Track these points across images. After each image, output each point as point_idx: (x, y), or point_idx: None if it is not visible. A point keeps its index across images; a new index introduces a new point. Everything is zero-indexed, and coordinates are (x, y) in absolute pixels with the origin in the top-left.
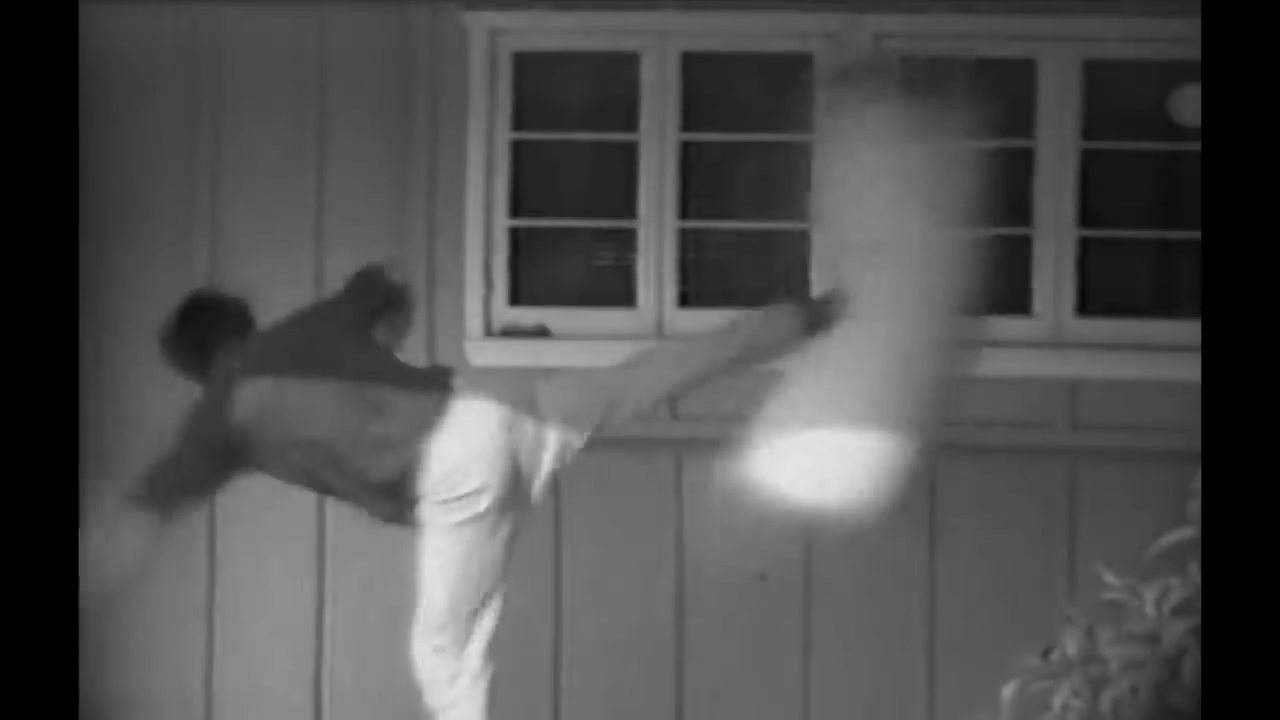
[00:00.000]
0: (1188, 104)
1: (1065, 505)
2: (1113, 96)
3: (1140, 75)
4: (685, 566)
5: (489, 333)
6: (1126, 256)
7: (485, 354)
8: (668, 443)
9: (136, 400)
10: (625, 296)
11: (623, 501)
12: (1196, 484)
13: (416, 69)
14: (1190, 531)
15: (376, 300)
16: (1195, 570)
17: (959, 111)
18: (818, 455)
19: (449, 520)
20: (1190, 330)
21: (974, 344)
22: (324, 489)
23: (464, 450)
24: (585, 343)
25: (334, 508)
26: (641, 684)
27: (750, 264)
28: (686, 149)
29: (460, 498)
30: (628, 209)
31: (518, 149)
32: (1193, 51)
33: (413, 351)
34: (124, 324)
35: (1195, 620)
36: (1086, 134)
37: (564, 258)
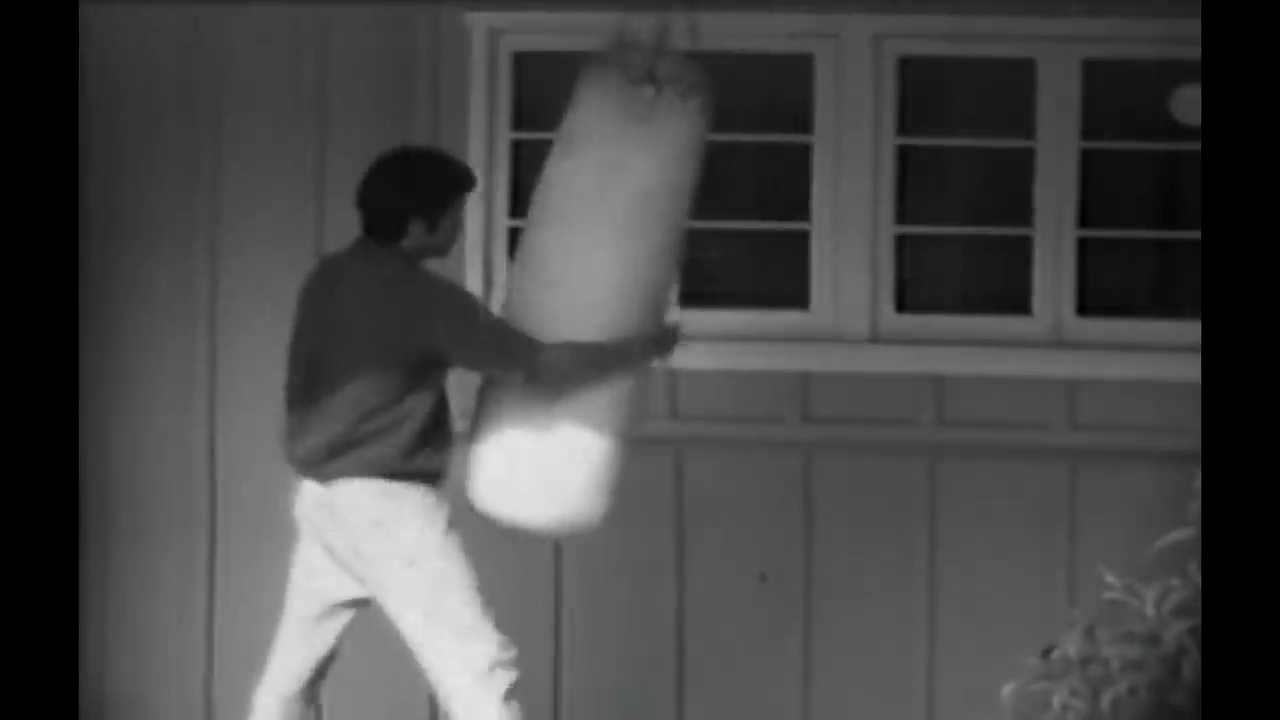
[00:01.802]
0: (1188, 104)
1: (1065, 505)
2: (1113, 96)
3: (1140, 75)
4: (685, 566)
5: None
6: (1126, 256)
7: None
8: (668, 443)
9: (136, 400)
10: None
11: (623, 501)
12: (1196, 484)
13: (416, 69)
14: (1190, 531)
15: None
16: (1195, 570)
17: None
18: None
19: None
20: (1190, 330)
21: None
22: None
23: None
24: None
25: None
26: (641, 684)
27: (750, 264)
28: None
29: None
30: None
31: (518, 149)
32: (1193, 51)
33: None
34: (124, 324)
35: (1195, 620)
36: (1086, 134)
37: None
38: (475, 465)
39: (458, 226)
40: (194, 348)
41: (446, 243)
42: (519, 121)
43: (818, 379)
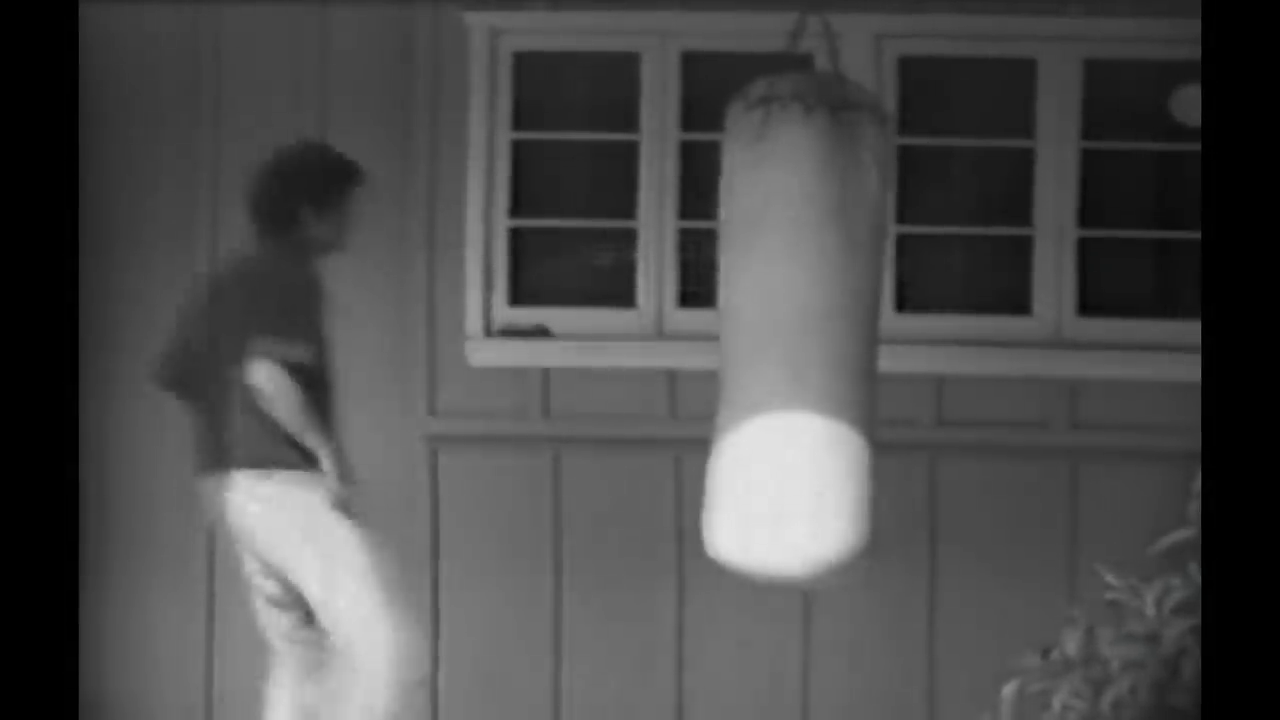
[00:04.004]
0: (1188, 104)
1: (1065, 505)
2: (1113, 96)
3: (1140, 75)
4: (685, 566)
5: (489, 333)
6: (1126, 256)
7: (485, 354)
8: (668, 443)
9: (136, 399)
10: (625, 296)
11: (623, 501)
12: (1196, 484)
13: (416, 69)
14: (1190, 531)
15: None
16: (1195, 570)
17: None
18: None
19: None
20: (1190, 330)
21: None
22: None
23: None
24: (585, 343)
25: None
26: (641, 684)
27: None
28: (686, 149)
29: None
30: (628, 209)
31: (518, 149)
32: (1193, 51)
33: (412, 352)
34: (124, 324)
35: (1195, 620)
36: (1086, 134)
37: (564, 258)
38: (713, 515)
39: (347, 223)
40: None
41: (337, 236)
42: (519, 121)
43: None
